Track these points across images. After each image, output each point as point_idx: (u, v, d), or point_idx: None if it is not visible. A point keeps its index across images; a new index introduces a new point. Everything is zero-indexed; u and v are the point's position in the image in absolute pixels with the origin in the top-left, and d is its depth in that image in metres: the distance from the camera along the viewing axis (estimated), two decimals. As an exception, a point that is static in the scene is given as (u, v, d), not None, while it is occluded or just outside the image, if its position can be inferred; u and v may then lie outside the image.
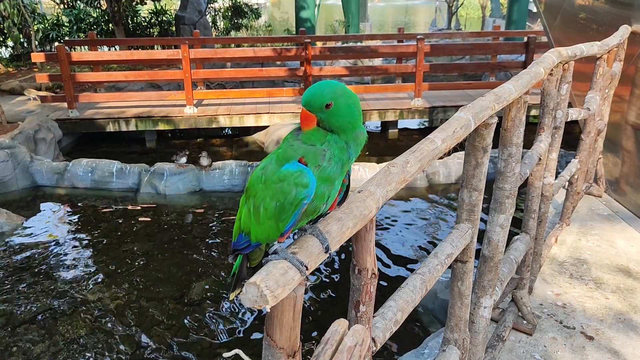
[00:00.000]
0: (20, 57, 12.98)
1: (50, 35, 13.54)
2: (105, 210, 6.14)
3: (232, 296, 1.39)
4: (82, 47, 12.19)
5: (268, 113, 8.59)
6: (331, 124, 1.21)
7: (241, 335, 3.95)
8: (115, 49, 12.81)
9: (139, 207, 6.17)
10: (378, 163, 7.04)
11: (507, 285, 2.86)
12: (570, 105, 4.23)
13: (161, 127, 8.55)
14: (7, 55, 13.54)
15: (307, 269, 1.08)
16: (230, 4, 15.95)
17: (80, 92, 9.38)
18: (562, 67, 2.93)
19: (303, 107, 1.23)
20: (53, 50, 12.93)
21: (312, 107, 1.21)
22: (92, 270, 4.81)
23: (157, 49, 12.70)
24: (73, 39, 12.64)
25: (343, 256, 5.04)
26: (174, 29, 14.18)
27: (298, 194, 1.15)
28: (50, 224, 5.87)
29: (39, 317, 4.10)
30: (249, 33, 16.68)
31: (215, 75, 9.40)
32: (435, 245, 5.23)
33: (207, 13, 14.59)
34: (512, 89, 2.04)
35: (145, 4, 14.81)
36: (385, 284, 4.50)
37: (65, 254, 5.12)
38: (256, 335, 3.94)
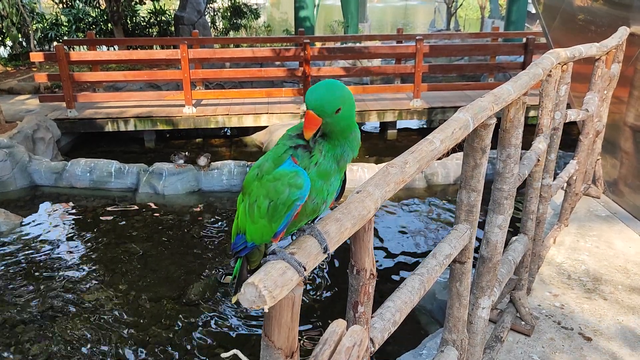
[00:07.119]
0: (18, 56, 12.95)
1: (49, 35, 13.52)
2: (103, 210, 6.13)
3: (234, 299, 1.39)
4: (81, 46, 12.17)
5: (267, 113, 8.60)
6: (334, 127, 1.16)
7: (239, 335, 3.95)
8: (114, 48, 12.80)
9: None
10: (377, 163, 7.04)
11: (505, 286, 2.86)
12: (568, 107, 4.23)
13: (160, 127, 8.54)
14: (6, 55, 13.51)
15: (305, 269, 1.07)
16: (230, 4, 15.94)
17: (79, 91, 9.36)
18: (561, 68, 2.94)
19: (310, 110, 1.14)
20: (52, 49, 12.91)
21: (324, 111, 1.13)
22: (90, 270, 4.81)
23: (156, 48, 12.68)
24: (72, 39, 12.62)
25: (341, 257, 5.04)
26: (173, 29, 14.17)
27: (291, 195, 1.15)
28: (48, 223, 5.86)
29: (37, 317, 4.09)
30: (248, 33, 16.67)
31: (214, 75, 9.39)
32: (433, 245, 5.23)
33: (206, 13, 14.58)
34: (511, 89, 2.04)
35: (145, 3, 14.79)
36: (383, 284, 4.49)
37: (63, 254, 5.11)
38: (254, 336, 3.93)
